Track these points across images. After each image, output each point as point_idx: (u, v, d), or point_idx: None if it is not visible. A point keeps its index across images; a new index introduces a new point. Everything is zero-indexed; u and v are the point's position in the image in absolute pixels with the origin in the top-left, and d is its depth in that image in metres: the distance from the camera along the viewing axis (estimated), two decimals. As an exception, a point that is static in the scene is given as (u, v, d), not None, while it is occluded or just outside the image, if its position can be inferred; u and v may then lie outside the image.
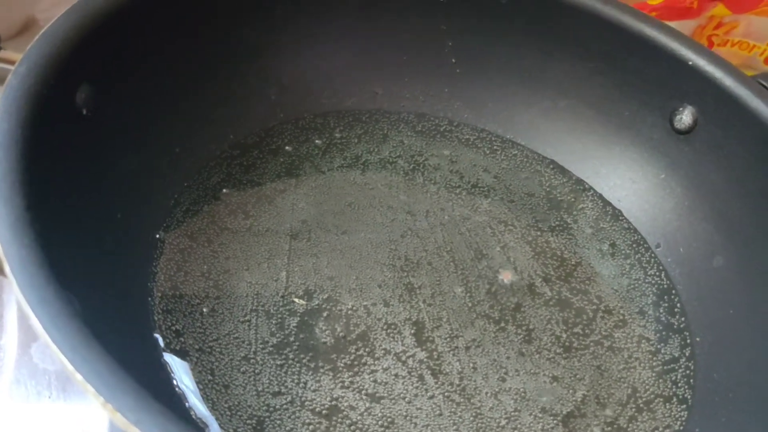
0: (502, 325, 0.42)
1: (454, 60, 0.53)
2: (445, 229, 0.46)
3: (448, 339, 0.40)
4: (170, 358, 0.36)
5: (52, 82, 0.34)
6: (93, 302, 0.30)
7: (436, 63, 0.52)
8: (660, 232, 0.49)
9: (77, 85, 0.36)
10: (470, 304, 0.42)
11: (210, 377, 0.36)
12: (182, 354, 0.37)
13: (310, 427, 0.36)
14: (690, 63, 0.46)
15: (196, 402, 0.35)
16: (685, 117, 0.48)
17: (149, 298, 0.38)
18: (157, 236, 0.41)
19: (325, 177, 0.47)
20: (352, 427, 0.36)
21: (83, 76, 0.37)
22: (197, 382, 0.36)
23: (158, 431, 0.22)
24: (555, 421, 0.38)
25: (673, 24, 0.50)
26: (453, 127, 0.52)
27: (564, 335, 0.42)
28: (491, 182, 0.50)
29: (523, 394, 0.39)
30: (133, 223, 0.39)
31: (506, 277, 0.44)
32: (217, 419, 0.35)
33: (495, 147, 0.52)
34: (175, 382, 0.35)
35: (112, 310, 0.34)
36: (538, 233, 0.47)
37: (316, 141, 0.49)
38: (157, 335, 0.37)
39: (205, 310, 0.39)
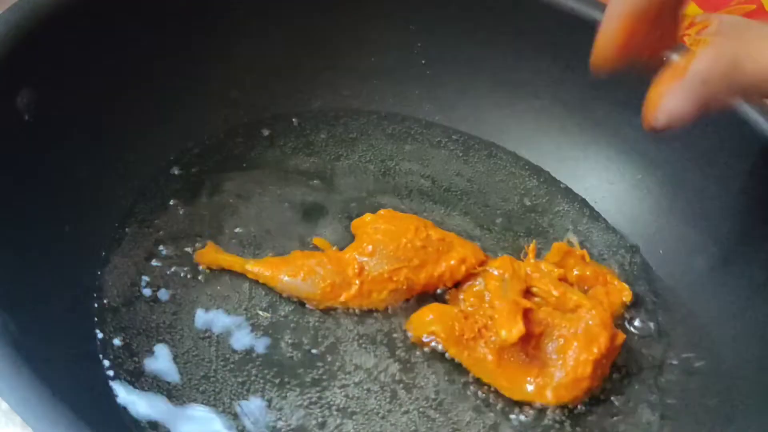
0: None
1: (423, 61, 0.51)
2: (418, 235, 0.44)
3: (424, 350, 0.38)
4: (117, 384, 0.33)
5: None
6: (32, 324, 0.28)
7: (406, 64, 0.51)
8: (639, 234, 0.47)
9: (17, 89, 0.34)
10: (445, 313, 0.40)
11: (166, 398, 0.34)
12: (135, 375, 0.34)
13: (276, 448, 0.33)
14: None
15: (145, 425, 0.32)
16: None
17: (96, 317, 0.35)
18: (109, 249, 0.38)
19: (290, 183, 0.45)
20: (321, 448, 0.34)
21: (23, 80, 0.34)
22: (151, 405, 0.33)
23: None
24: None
25: (645, 21, 0.49)
26: (424, 129, 0.51)
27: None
28: (464, 186, 0.48)
29: (503, 407, 0.37)
30: (82, 236, 0.37)
31: (482, 283, 0.42)
32: (174, 444, 0.32)
33: (468, 149, 0.50)
34: (121, 406, 0.33)
35: (53, 332, 0.31)
36: (514, 237, 0.45)
37: (281, 145, 0.47)
38: (104, 358, 0.34)
39: (161, 326, 0.36)
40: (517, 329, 0.37)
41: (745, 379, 0.39)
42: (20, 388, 0.21)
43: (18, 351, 0.22)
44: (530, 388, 0.37)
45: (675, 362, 0.41)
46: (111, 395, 0.32)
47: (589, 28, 0.47)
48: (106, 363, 0.34)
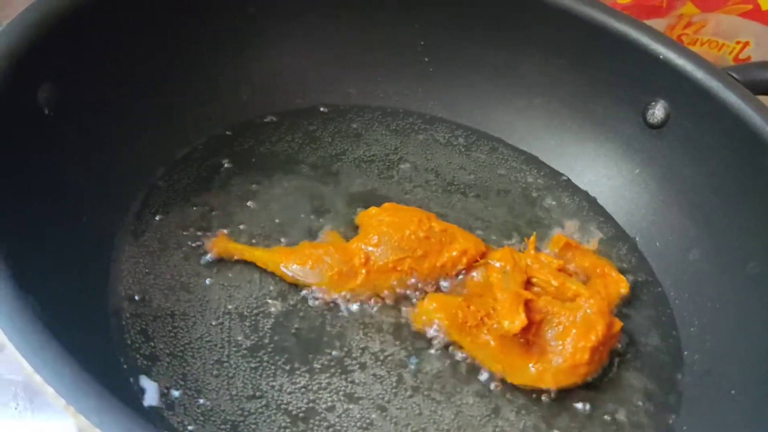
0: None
1: (426, 59, 0.52)
2: (422, 228, 0.45)
3: (427, 337, 0.40)
4: (132, 369, 0.34)
5: (11, 80, 0.33)
6: (55, 306, 0.29)
7: (409, 62, 0.52)
8: (636, 227, 0.49)
9: (38, 84, 0.35)
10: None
11: (182, 382, 0.35)
12: (151, 359, 0.35)
13: (287, 430, 0.35)
14: (661, 57, 0.47)
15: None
16: (658, 111, 0.48)
17: (115, 302, 0.37)
18: (125, 239, 0.40)
19: (298, 177, 0.46)
20: (330, 429, 0.35)
21: (44, 75, 0.36)
22: (168, 387, 0.34)
23: (108, 420, 0.21)
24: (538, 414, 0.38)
25: (643, 22, 0.50)
26: (427, 125, 0.52)
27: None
28: (467, 179, 0.49)
29: (505, 391, 0.38)
30: (99, 225, 0.38)
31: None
32: (190, 425, 0.34)
33: (470, 144, 0.51)
34: (137, 390, 0.34)
35: (75, 315, 0.33)
36: (514, 229, 0.47)
37: (289, 141, 0.48)
38: (119, 343, 0.35)
39: (175, 313, 0.37)
40: (520, 320, 0.38)
41: (740, 367, 0.40)
42: (53, 363, 0.23)
43: (48, 329, 0.24)
44: (531, 372, 0.38)
45: (671, 352, 0.43)
46: (128, 381, 0.34)
47: (589, 27, 0.49)
48: (122, 348, 0.35)
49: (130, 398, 0.34)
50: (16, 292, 0.26)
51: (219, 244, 0.41)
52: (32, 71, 0.35)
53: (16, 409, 0.39)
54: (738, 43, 0.68)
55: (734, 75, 0.47)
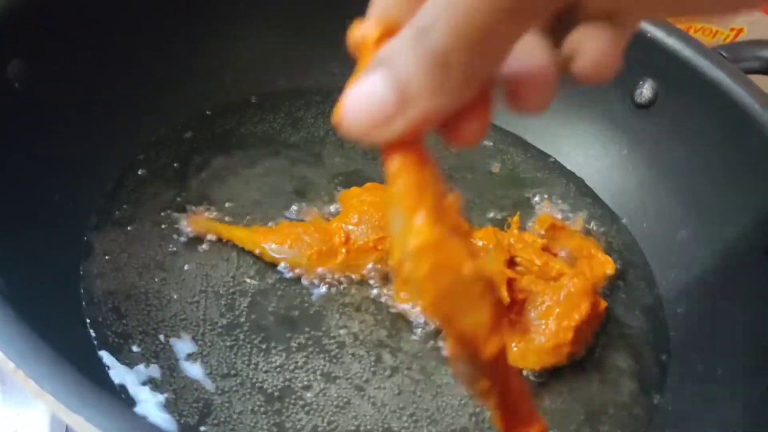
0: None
1: (412, 39, 0.51)
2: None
3: (406, 317, 0.39)
4: (104, 351, 0.34)
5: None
6: (23, 285, 0.28)
7: (394, 42, 0.51)
8: (624, 208, 0.48)
9: (8, 58, 0.35)
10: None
11: (154, 360, 0.34)
12: (123, 337, 0.35)
13: (262, 409, 0.34)
14: (648, 35, 0.46)
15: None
16: (646, 91, 0.47)
17: (84, 282, 0.36)
18: (99, 217, 0.39)
19: (279, 158, 0.46)
20: (306, 408, 0.34)
21: (13, 50, 0.35)
22: (141, 365, 0.34)
23: (75, 399, 0.21)
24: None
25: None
26: (412, 105, 0.51)
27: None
28: (451, 160, 0.48)
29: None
30: (71, 204, 0.38)
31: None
32: (161, 403, 0.33)
33: (456, 126, 0.51)
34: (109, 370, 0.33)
35: (44, 294, 0.32)
36: (499, 210, 0.46)
37: (270, 121, 0.48)
38: (91, 322, 0.35)
39: (149, 291, 0.37)
40: (502, 299, 0.37)
41: (726, 347, 0.39)
42: (18, 341, 0.22)
43: (14, 306, 0.23)
44: (513, 352, 0.37)
45: (656, 332, 0.42)
46: (99, 359, 0.33)
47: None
48: (94, 326, 0.34)
49: (101, 377, 0.33)
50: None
51: (196, 222, 0.40)
52: (1, 47, 0.34)
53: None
54: (732, 30, 0.67)
55: (724, 54, 0.46)
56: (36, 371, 0.22)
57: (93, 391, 0.22)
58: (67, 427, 0.36)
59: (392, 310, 0.39)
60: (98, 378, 0.33)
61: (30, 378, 0.22)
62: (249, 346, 0.36)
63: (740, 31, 0.67)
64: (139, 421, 0.21)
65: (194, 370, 0.35)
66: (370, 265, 0.40)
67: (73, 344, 0.33)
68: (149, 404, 0.33)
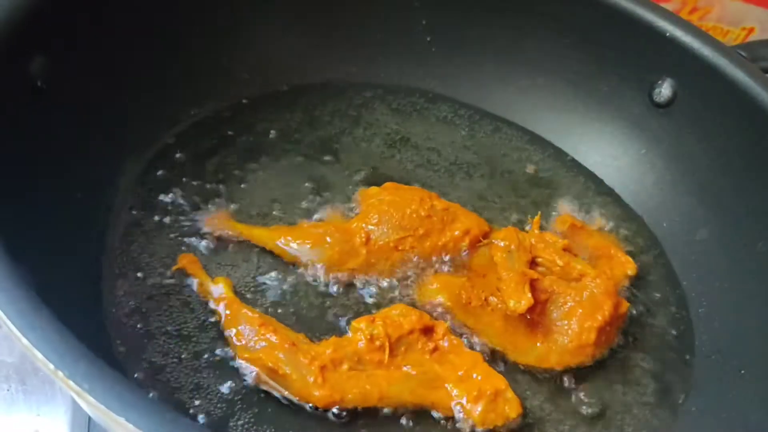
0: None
1: (428, 38, 0.51)
2: (424, 207, 0.44)
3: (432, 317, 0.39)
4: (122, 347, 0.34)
5: (3, 51, 0.33)
6: (46, 276, 0.28)
7: (411, 41, 0.51)
8: (643, 207, 0.48)
9: (31, 56, 0.34)
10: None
11: (175, 360, 0.34)
12: (148, 336, 0.34)
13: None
14: (667, 34, 0.46)
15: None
16: (664, 90, 0.47)
17: (109, 280, 0.36)
18: (120, 216, 0.39)
19: (297, 156, 0.45)
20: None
21: (37, 48, 0.35)
22: (161, 364, 0.33)
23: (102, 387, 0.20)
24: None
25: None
26: (430, 103, 0.51)
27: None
28: (470, 159, 0.48)
29: (509, 369, 0.37)
30: (94, 201, 0.37)
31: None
32: (183, 401, 0.33)
33: (473, 123, 0.51)
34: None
35: (67, 288, 0.32)
36: (519, 209, 0.46)
37: (288, 119, 0.47)
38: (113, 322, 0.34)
39: (171, 292, 0.36)
40: (526, 300, 0.37)
41: (750, 347, 0.39)
42: (41, 327, 0.22)
43: (38, 295, 0.23)
44: (536, 352, 0.37)
45: (679, 332, 0.42)
46: (117, 351, 0.33)
47: (595, 4, 0.48)
48: (115, 326, 0.34)
49: (120, 369, 0.33)
50: (9, 262, 0.25)
51: (216, 222, 0.40)
52: (26, 44, 0.34)
53: (8, 390, 0.39)
54: (743, 29, 0.67)
55: (742, 53, 0.46)
56: (65, 363, 0.22)
57: (117, 380, 0.22)
58: (88, 427, 0.36)
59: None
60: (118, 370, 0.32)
61: (58, 369, 0.22)
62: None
63: (751, 30, 0.67)
64: (181, 422, 0.21)
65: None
66: (391, 264, 0.39)
67: (94, 339, 0.32)
68: (171, 399, 0.32)
